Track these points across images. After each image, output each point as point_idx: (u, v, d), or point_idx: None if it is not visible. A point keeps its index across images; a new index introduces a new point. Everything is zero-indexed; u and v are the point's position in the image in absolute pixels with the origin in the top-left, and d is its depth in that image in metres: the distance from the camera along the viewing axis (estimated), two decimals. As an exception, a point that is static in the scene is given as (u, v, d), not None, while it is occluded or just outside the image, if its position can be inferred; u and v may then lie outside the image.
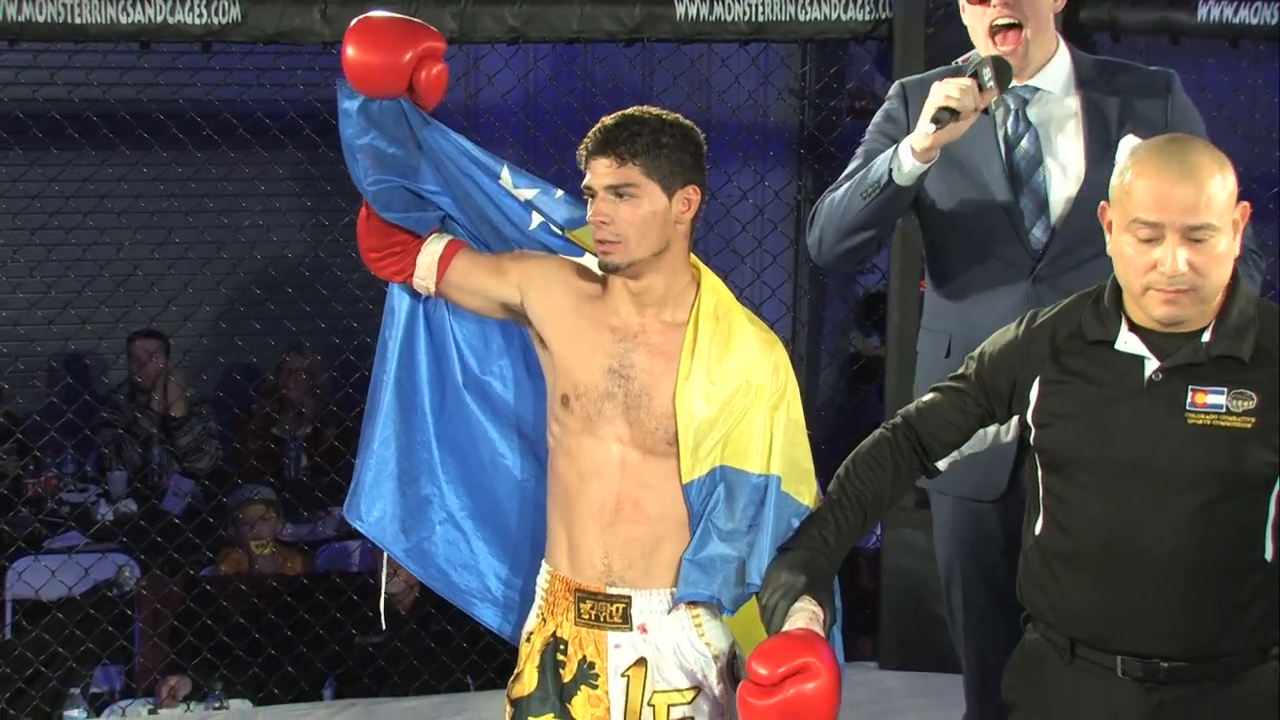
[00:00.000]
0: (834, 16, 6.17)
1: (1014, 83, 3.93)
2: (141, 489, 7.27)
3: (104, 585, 6.54)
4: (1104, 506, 3.22)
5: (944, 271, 4.14)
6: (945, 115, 3.73)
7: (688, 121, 3.36)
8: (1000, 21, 3.94)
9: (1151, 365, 3.20)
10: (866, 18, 6.18)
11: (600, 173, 3.30)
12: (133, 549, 6.58)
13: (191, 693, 6.13)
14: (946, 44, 5.96)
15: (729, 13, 6.11)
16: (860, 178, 3.95)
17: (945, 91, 3.75)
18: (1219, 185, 3.11)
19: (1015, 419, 3.36)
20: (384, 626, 3.81)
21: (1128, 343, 3.22)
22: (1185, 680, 3.20)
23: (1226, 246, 3.13)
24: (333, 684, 6.22)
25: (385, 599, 5.53)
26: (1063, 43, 4.09)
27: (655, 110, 3.34)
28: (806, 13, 6.15)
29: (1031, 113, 4.02)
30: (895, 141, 3.94)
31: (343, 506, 3.71)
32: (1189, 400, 3.17)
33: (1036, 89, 4.03)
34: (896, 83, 4.22)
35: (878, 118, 4.20)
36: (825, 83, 7.94)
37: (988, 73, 3.78)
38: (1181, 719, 3.22)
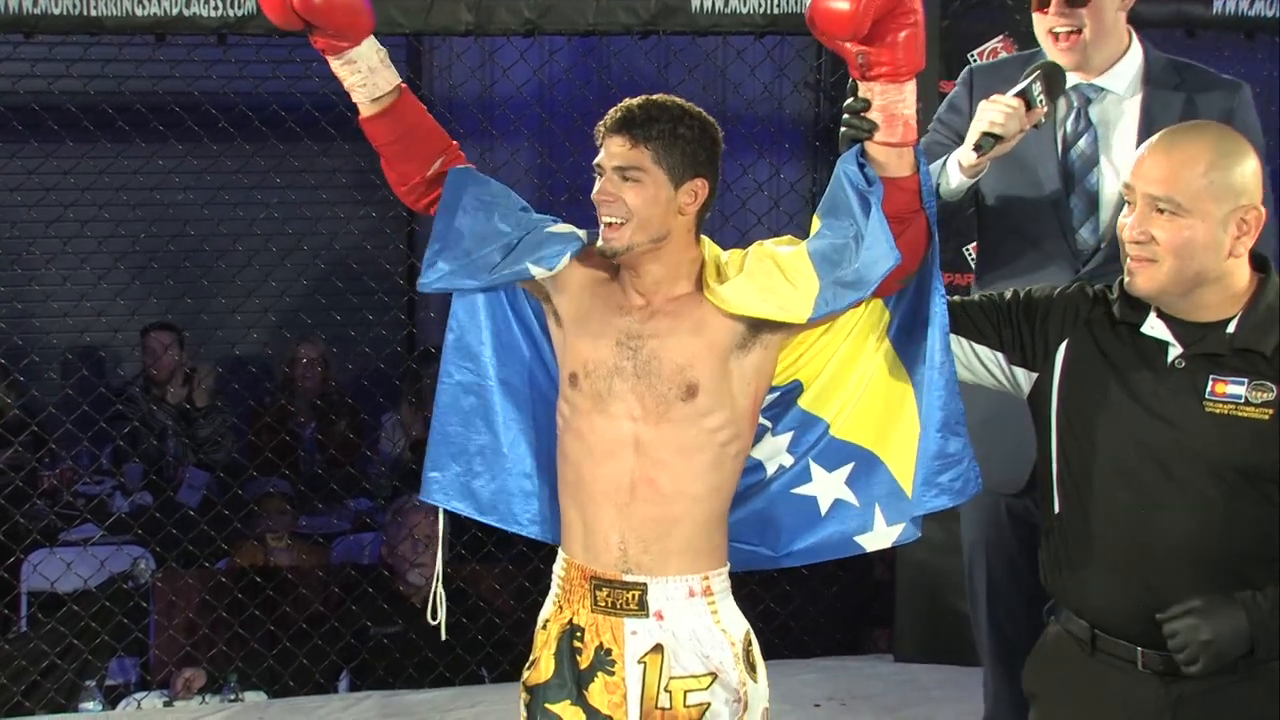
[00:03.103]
0: (848, 8, 6.16)
1: (1079, 81, 3.93)
2: (157, 481, 7.28)
3: (119, 578, 6.54)
4: (1119, 491, 3.24)
5: (992, 265, 4.15)
6: (988, 141, 3.76)
7: (710, 118, 3.37)
8: (1058, 29, 3.96)
9: (1175, 351, 3.22)
10: (881, 10, 6.17)
11: (612, 151, 3.32)
12: (148, 541, 6.58)
13: (207, 685, 6.13)
14: (961, 35, 5.98)
15: (744, 5, 6.10)
16: None
17: (990, 115, 3.76)
18: (1200, 171, 3.14)
19: (1026, 374, 3.38)
20: (438, 619, 3.78)
21: (1154, 328, 3.24)
22: (1205, 673, 3.19)
23: (1205, 235, 3.15)
24: (348, 676, 6.22)
25: (405, 591, 5.55)
26: (1137, 41, 4.09)
27: (680, 101, 3.35)
28: (821, 5, 6.14)
29: (1093, 112, 4.03)
30: (956, 132, 3.96)
31: (419, 495, 3.68)
32: (1209, 389, 3.18)
33: (1101, 88, 4.03)
34: (966, 68, 4.23)
35: (943, 106, 4.23)
36: (840, 75, 7.92)
37: (1037, 89, 3.80)
38: (1202, 712, 3.23)
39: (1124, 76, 4.05)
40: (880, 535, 3.54)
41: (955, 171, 3.87)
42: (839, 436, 3.53)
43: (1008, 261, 4.12)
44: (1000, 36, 5.94)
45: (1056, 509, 3.36)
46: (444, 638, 3.77)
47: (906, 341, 3.43)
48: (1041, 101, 3.81)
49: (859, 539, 3.55)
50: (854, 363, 3.48)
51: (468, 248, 3.46)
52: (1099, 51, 4.02)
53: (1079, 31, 3.97)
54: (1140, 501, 3.22)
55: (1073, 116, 4.04)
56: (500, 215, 3.47)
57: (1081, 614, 3.33)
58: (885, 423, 3.49)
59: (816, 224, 3.34)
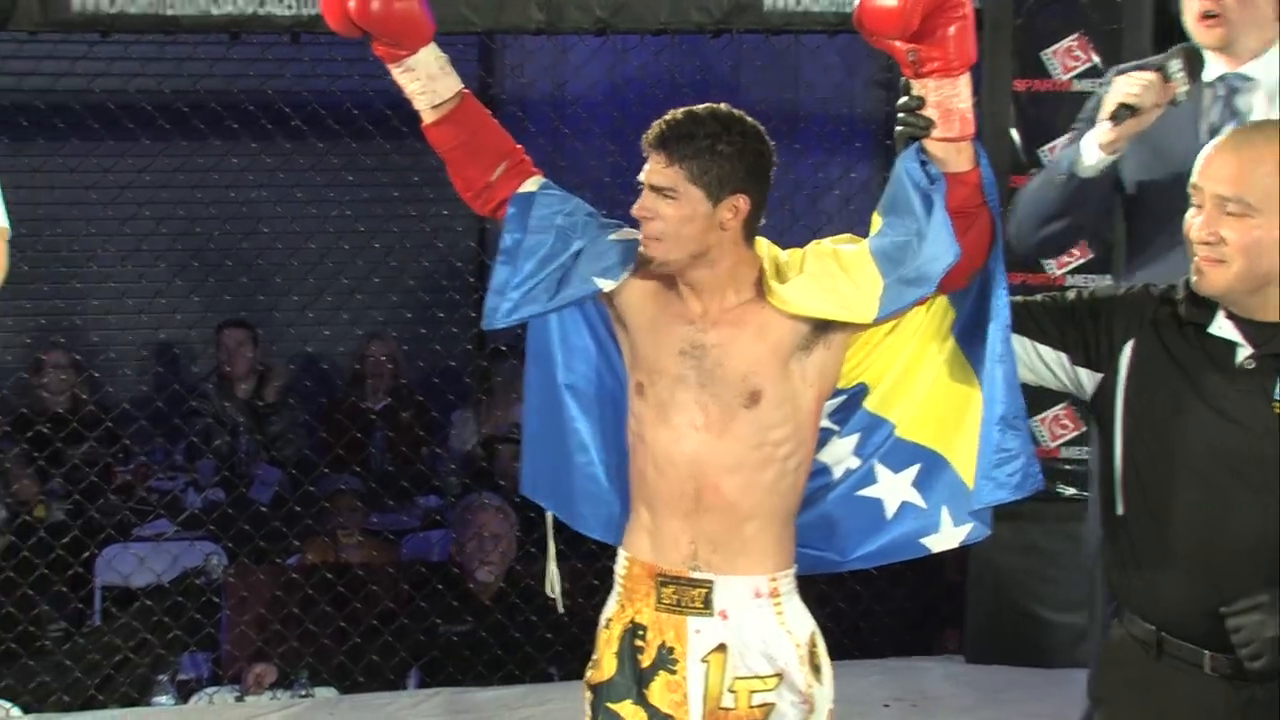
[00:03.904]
0: (923, 7, 6.15)
1: (1225, 70, 3.92)
2: (229, 477, 7.33)
3: (192, 573, 6.59)
4: (1188, 493, 3.20)
5: (1138, 258, 4.13)
6: (1123, 112, 3.75)
7: (755, 126, 3.32)
8: (1207, 10, 3.95)
9: (1244, 352, 3.18)
10: (955, 8, 6.16)
11: (651, 168, 3.29)
12: (220, 537, 6.63)
13: (277, 680, 6.17)
14: (1035, 34, 5.95)
15: (816, 3, 6.09)
16: (1049, 167, 3.99)
17: (1125, 88, 3.76)
18: (1268, 170, 3.10)
19: (1089, 374, 3.35)
20: (560, 609, 3.80)
21: (1222, 328, 3.20)
22: (1275, 676, 3.16)
23: (1275, 234, 3.11)
24: (417, 673, 6.24)
25: (474, 589, 5.58)
26: None
27: (725, 112, 3.30)
28: (895, 3, 6.14)
29: (1240, 102, 3.99)
30: None
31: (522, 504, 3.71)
32: (1278, 390, 3.14)
33: (1248, 78, 4.00)
34: (1113, 69, 4.22)
35: (1088, 104, 4.21)
36: (912, 73, 7.90)
37: (1175, 65, 3.80)
38: (1271, 716, 3.19)
39: (1273, 66, 4.00)
40: (948, 535, 3.51)
41: (1090, 149, 3.86)
42: (905, 437, 3.49)
43: (1155, 256, 4.08)
44: (1075, 35, 5.91)
45: (1120, 510, 3.31)
46: (560, 610, 3.79)
47: (971, 339, 3.40)
48: (1180, 78, 3.80)
49: (925, 540, 3.52)
50: (920, 363, 3.45)
51: (532, 270, 3.45)
52: (1246, 36, 3.98)
53: (1221, 16, 3.94)
54: (1210, 503, 3.18)
55: (1218, 106, 4.01)
56: (564, 233, 3.45)
57: (1147, 617, 3.29)
58: (951, 422, 3.46)
59: (877, 222, 3.32)
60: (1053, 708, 5.62)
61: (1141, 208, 4.10)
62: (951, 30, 3.10)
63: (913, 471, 3.50)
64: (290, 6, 5.79)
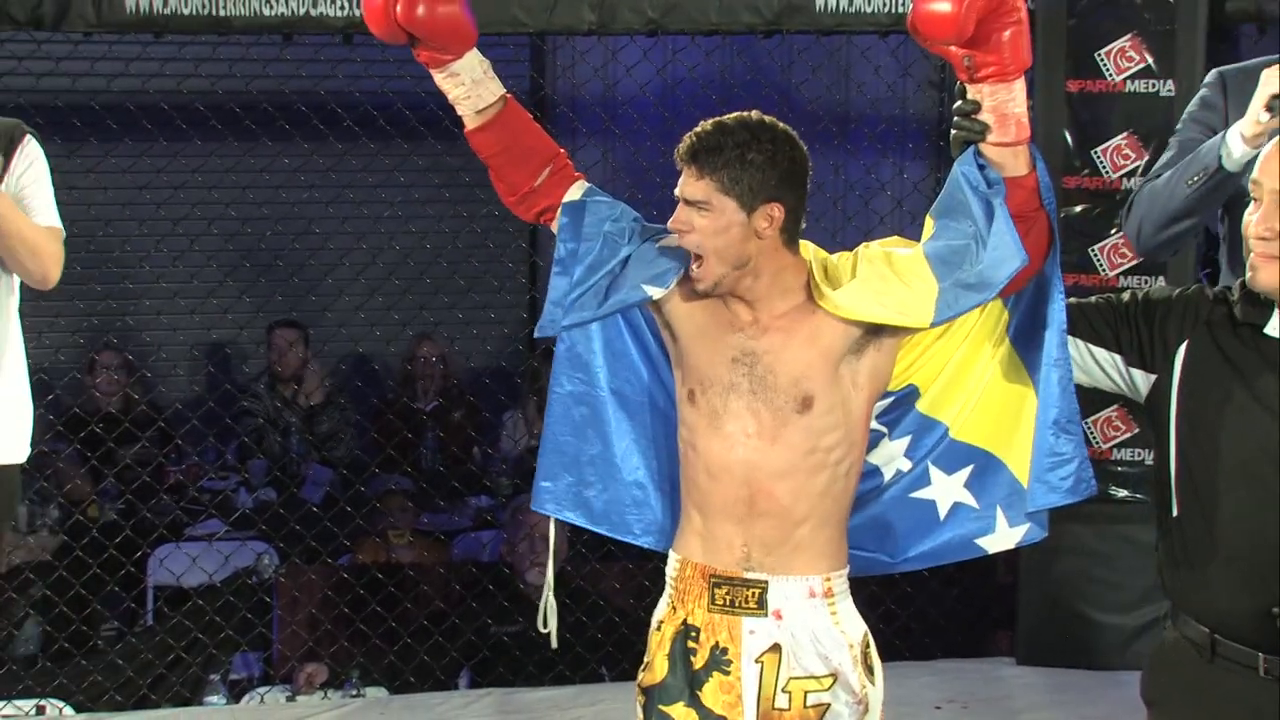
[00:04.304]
0: (976, 7, 6.14)
1: None
2: (281, 478, 7.36)
3: (243, 573, 6.63)
4: (1243, 495, 3.18)
5: (1238, 257, 4.14)
6: (1277, 104, 3.75)
7: (786, 132, 3.33)
8: None
9: (1300, 352, 3.16)
10: (1008, 9, 6.15)
11: (684, 182, 3.30)
12: (272, 537, 6.66)
13: (329, 680, 6.20)
14: (1088, 34, 5.93)
15: (869, 4, 6.09)
16: (1185, 165, 3.98)
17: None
18: None
19: (1144, 376, 3.34)
20: (549, 627, 3.79)
21: (1277, 329, 3.19)
22: None
23: None
24: (468, 673, 6.26)
25: (524, 589, 5.58)
26: None
27: (754, 119, 3.31)
28: (948, 3, 6.13)
29: None
30: (1211, 129, 3.96)
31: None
32: None
33: None
34: (1214, 71, 4.22)
35: (1193, 106, 4.21)
36: (965, 74, 7.89)
37: None
38: (1326, 720, 3.18)
39: None
40: (1003, 536, 3.52)
41: (1237, 142, 3.86)
42: (958, 439, 3.50)
43: None
44: (1129, 35, 5.90)
45: (1175, 512, 3.30)
46: (554, 646, 3.79)
47: (1026, 341, 3.41)
48: None
49: (980, 541, 3.53)
50: (972, 364, 3.45)
51: (581, 277, 3.46)
52: None
53: None
54: (1264, 505, 3.16)
55: None
56: (612, 240, 3.47)
57: (1200, 619, 3.28)
58: (1005, 424, 3.46)
59: (930, 226, 3.32)
60: (1104, 710, 5.62)
61: (1244, 207, 4.11)
62: (1006, 35, 3.10)
63: (966, 473, 3.50)
64: (343, 7, 5.82)
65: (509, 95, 3.49)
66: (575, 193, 3.50)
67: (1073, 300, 3.41)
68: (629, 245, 3.45)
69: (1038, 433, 3.38)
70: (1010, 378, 3.43)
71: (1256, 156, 3.83)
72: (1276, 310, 3.19)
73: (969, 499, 3.51)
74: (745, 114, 3.33)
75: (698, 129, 3.32)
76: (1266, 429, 3.16)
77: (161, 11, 5.74)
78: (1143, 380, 3.36)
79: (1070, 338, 3.36)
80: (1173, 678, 3.36)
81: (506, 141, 3.49)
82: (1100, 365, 3.41)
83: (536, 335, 3.58)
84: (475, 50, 3.43)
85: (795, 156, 3.31)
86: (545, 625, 3.74)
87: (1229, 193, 3.99)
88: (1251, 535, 3.18)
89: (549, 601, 3.75)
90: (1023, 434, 3.43)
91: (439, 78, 3.45)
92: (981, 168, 3.21)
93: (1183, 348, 3.28)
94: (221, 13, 5.78)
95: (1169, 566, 3.34)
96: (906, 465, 3.55)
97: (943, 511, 3.54)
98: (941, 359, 3.46)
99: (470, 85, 3.44)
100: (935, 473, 3.53)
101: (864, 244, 3.39)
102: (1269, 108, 3.76)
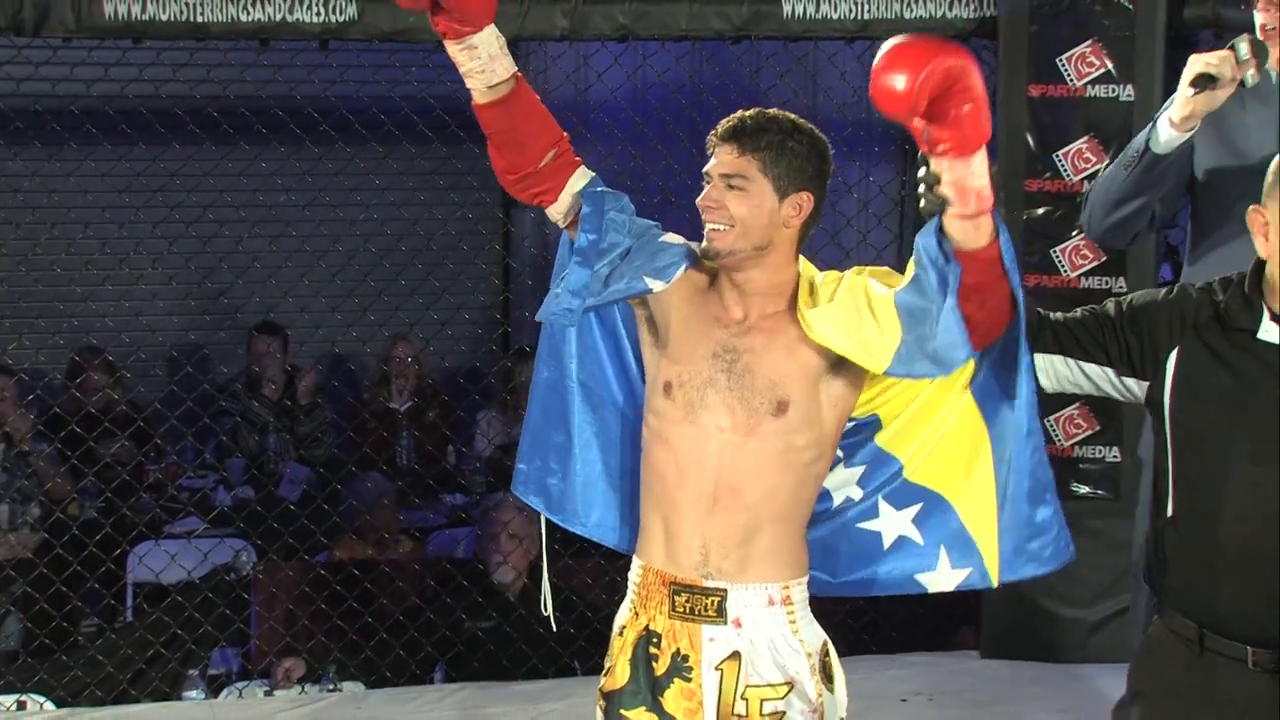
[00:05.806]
0: (939, 14, 6.23)
1: None
2: (258, 476, 7.41)
3: (222, 570, 6.65)
4: (1239, 495, 3.22)
5: (1205, 248, 4.27)
6: (1202, 81, 3.95)
7: (822, 135, 3.39)
8: (1270, 27, 4.15)
9: (1292, 355, 3.19)
10: (971, 15, 6.24)
11: (721, 159, 3.33)
12: (250, 534, 6.71)
13: (306, 675, 6.21)
14: (1050, 40, 6.02)
15: (835, 10, 6.15)
16: (1124, 152, 4.13)
17: (1204, 59, 3.96)
18: None
19: (1138, 382, 3.38)
20: (548, 610, 3.84)
21: (1269, 332, 3.22)
22: None
23: None
24: (443, 668, 6.29)
25: (496, 586, 5.61)
26: None
27: (793, 116, 3.36)
28: (912, 10, 6.21)
29: None
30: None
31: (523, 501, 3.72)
32: None
33: None
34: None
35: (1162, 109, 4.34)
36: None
37: (1244, 47, 4.00)
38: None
39: None
40: (945, 576, 3.53)
41: (1165, 125, 4.03)
42: (912, 480, 3.52)
43: (1219, 243, 4.22)
44: (1090, 41, 5.96)
45: (1170, 512, 3.34)
46: (553, 629, 3.84)
47: (988, 395, 3.42)
48: (1248, 58, 4.01)
49: (921, 578, 3.55)
50: (936, 408, 3.47)
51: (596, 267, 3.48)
52: None
53: None
54: (1261, 509, 3.20)
55: None
56: (614, 229, 3.48)
57: (1189, 615, 3.31)
58: (960, 471, 3.47)
59: (910, 269, 3.28)
60: (1066, 702, 5.67)
61: (1209, 196, 4.23)
62: (964, 110, 3.04)
63: (914, 510, 3.53)
64: (319, 14, 5.86)
65: (520, 74, 3.47)
66: (582, 180, 3.50)
67: (1058, 316, 3.46)
68: (629, 237, 3.48)
69: (1014, 504, 3.40)
70: (970, 428, 3.44)
71: (1189, 149, 4.00)
72: (1266, 313, 3.23)
73: (914, 534, 3.53)
74: (780, 110, 3.38)
75: (739, 114, 3.36)
76: (1260, 433, 3.20)
77: (140, 17, 5.76)
78: (1137, 386, 3.40)
79: (1060, 356, 3.42)
80: (1161, 669, 3.39)
81: (514, 120, 3.46)
82: (1093, 380, 3.45)
83: (547, 321, 3.54)
84: (493, 25, 3.40)
85: (827, 157, 3.38)
86: (546, 609, 3.75)
87: (1168, 177, 4.12)
88: (1249, 537, 3.22)
89: (546, 590, 3.77)
90: (975, 484, 3.45)
91: (454, 49, 3.39)
92: (939, 242, 3.17)
93: (1173, 355, 3.32)
94: (199, 19, 5.81)
95: (1160, 566, 3.38)
96: (857, 494, 3.56)
97: (887, 542, 3.55)
98: (907, 396, 3.48)
99: (487, 59, 3.40)
100: (884, 507, 3.55)
101: (855, 269, 3.40)
102: (1193, 84, 3.94)
